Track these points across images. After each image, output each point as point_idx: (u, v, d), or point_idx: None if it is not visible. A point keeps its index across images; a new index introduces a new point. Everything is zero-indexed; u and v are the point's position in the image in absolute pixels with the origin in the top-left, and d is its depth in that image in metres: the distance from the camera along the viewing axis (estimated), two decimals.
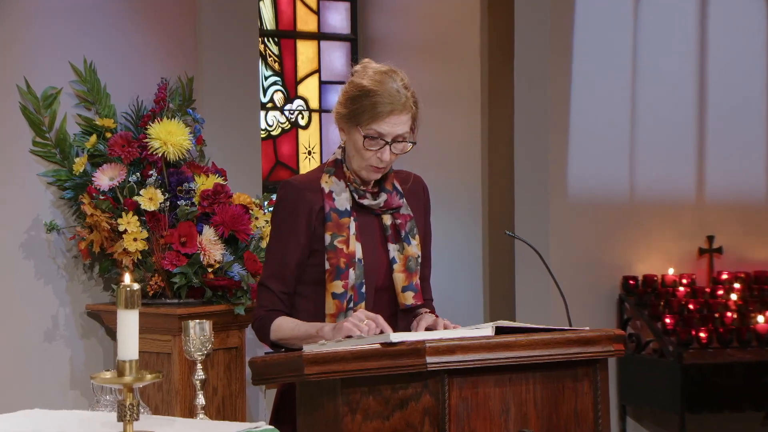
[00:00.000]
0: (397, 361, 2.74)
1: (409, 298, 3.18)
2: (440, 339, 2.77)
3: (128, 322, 2.42)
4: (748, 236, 6.51)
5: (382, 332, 2.96)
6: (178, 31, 5.06)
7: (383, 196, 3.19)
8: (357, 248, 3.14)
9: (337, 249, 3.12)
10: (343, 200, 3.15)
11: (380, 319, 3.01)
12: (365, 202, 3.17)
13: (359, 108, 3.10)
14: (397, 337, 2.78)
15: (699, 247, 6.44)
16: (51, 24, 4.68)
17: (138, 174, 4.60)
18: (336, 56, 6.96)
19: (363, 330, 2.95)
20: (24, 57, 4.63)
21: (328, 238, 3.13)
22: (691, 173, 6.44)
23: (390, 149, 3.10)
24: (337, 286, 3.12)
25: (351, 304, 3.12)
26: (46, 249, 4.68)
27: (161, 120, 4.69)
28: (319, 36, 6.91)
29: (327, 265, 3.12)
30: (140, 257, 4.56)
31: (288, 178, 3.26)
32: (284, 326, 3.12)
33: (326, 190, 3.16)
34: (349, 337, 2.93)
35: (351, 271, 3.12)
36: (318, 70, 6.90)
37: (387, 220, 3.20)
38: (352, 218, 3.15)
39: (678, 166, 6.40)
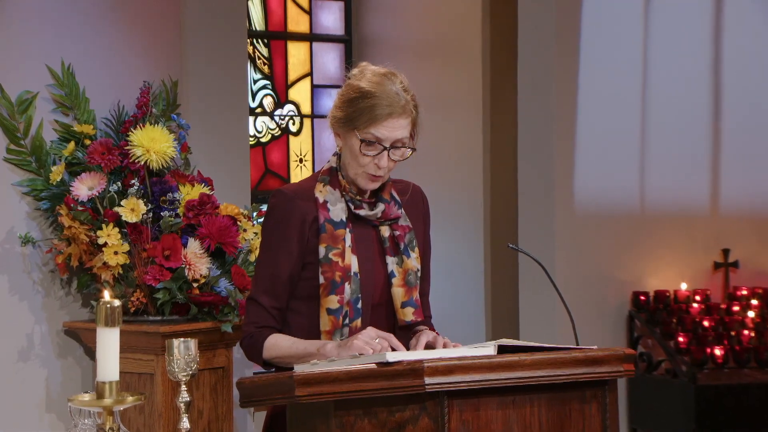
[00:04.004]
0: (393, 382, 2.74)
1: (408, 315, 3.18)
2: (439, 358, 2.77)
3: (108, 341, 2.41)
4: (765, 249, 6.52)
5: (393, 350, 2.96)
6: (161, 32, 5.06)
7: (381, 207, 3.19)
8: (353, 261, 3.14)
9: (331, 262, 3.12)
10: (338, 211, 3.16)
11: (393, 338, 3.01)
12: (362, 212, 3.17)
13: (356, 111, 3.10)
14: (393, 356, 2.78)
15: (714, 260, 6.45)
16: (26, 25, 4.69)
17: (119, 183, 4.60)
18: (329, 58, 6.97)
19: (376, 349, 2.95)
20: None
21: (322, 250, 3.13)
22: (705, 182, 6.45)
23: (388, 155, 3.10)
24: (332, 301, 3.12)
25: (346, 320, 3.12)
26: (20, 263, 4.68)
27: (143, 126, 4.69)
28: (312, 37, 6.92)
29: (321, 279, 3.12)
30: (121, 272, 4.56)
31: (280, 187, 3.27)
32: (280, 344, 3.12)
33: (320, 200, 3.16)
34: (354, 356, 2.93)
35: (346, 286, 3.12)
36: (310, 73, 6.91)
37: (385, 231, 3.20)
38: (347, 230, 3.15)
39: (691, 175, 6.41)
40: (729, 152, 6.46)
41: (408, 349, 3.16)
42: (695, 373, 5.82)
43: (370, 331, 3.02)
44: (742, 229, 6.47)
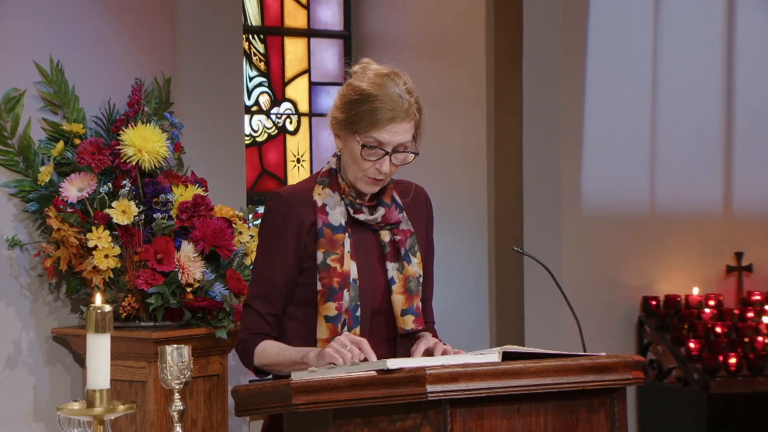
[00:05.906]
0: (394, 390, 2.74)
1: (408, 323, 3.18)
2: (442, 365, 2.77)
3: (99, 348, 2.42)
4: None
5: (365, 359, 2.96)
6: (153, 28, 5.06)
7: (381, 211, 3.19)
8: (352, 267, 3.14)
9: (330, 268, 3.12)
10: (337, 215, 3.16)
11: (365, 344, 3.01)
12: (361, 217, 3.17)
13: (357, 114, 3.10)
14: (394, 363, 2.78)
15: (726, 264, 6.45)
16: (14, 20, 4.69)
17: (110, 184, 4.61)
18: (327, 55, 6.97)
19: (346, 357, 2.95)
20: None
21: (320, 255, 3.13)
22: (717, 183, 6.45)
23: (390, 160, 3.10)
24: (330, 308, 3.12)
25: (345, 329, 3.12)
26: (7, 267, 4.68)
27: (135, 125, 4.69)
28: (309, 33, 6.92)
29: (319, 286, 3.12)
30: (112, 276, 4.56)
31: (277, 189, 3.27)
32: (269, 350, 3.13)
33: (319, 203, 3.16)
34: (333, 364, 2.93)
35: (345, 292, 3.12)
36: (308, 71, 6.91)
37: (385, 236, 3.20)
38: (346, 234, 3.15)
39: (703, 176, 6.41)
40: (742, 152, 6.46)
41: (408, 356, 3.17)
42: (707, 381, 5.82)
43: (343, 338, 3.02)
44: (756, 232, 6.47)
